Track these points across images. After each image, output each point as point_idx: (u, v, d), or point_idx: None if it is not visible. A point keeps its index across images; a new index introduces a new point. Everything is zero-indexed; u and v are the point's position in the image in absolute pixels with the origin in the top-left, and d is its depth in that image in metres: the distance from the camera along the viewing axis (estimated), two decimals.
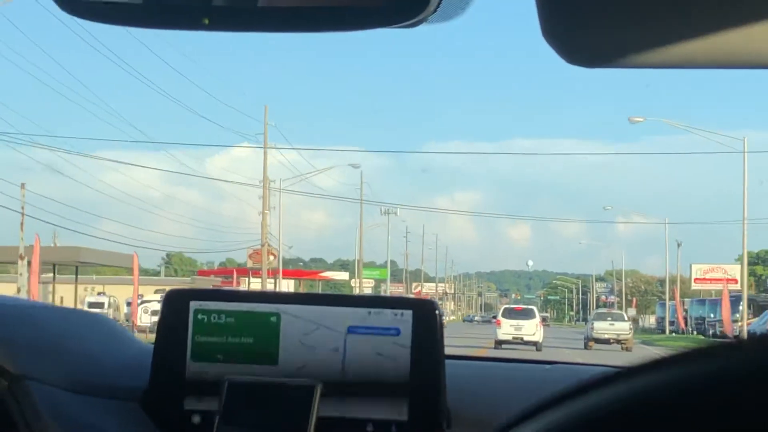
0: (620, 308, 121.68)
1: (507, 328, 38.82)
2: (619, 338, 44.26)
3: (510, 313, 40.08)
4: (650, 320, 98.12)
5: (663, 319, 79.00)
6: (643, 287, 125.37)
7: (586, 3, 1.11)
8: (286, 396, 1.93)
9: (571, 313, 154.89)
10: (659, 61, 1.18)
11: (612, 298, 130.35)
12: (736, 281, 72.25)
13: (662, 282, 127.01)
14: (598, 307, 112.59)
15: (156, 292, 57.35)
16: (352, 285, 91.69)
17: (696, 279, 72.94)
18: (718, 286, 72.33)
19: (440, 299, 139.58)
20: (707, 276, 72.60)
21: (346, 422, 1.95)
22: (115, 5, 1.27)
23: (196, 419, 1.98)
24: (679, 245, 70.70)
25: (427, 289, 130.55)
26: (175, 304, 2.03)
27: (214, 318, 2.01)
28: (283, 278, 74.75)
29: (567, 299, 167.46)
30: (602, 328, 44.80)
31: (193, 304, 2.01)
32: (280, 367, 1.97)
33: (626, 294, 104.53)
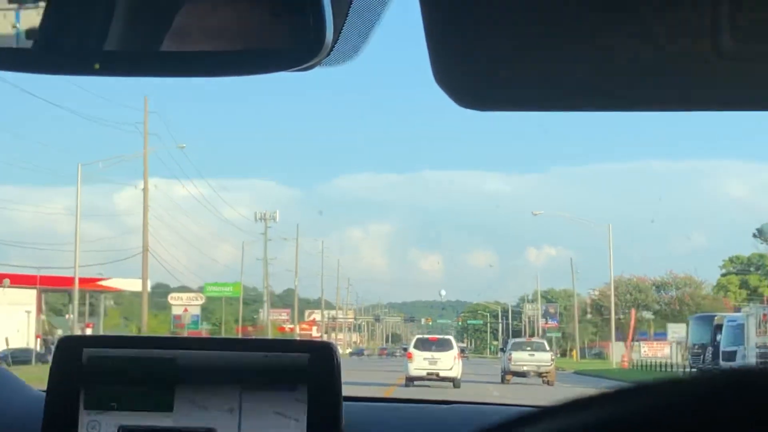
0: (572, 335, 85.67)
1: (420, 362, 34.91)
2: (540, 370, 40.77)
3: (423, 344, 36.02)
4: (644, 350, 61.27)
5: (706, 346, 42.43)
6: (630, 295, 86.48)
7: (474, 52, 1.18)
8: None
9: (495, 342, 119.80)
10: (544, 105, 1.30)
11: (552, 323, 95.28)
12: None
13: (662, 286, 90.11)
14: (543, 334, 79.53)
15: None
16: (170, 302, 73.11)
17: None
18: None
19: (331, 329, 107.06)
20: None
21: None
22: (4, 51, 1.21)
23: None
24: None
25: (320, 317, 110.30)
26: (67, 350, 1.99)
27: (108, 365, 1.98)
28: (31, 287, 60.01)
29: (490, 326, 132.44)
30: (521, 359, 41.06)
31: (87, 352, 1.99)
32: (176, 414, 1.97)
33: (614, 305, 66.72)
